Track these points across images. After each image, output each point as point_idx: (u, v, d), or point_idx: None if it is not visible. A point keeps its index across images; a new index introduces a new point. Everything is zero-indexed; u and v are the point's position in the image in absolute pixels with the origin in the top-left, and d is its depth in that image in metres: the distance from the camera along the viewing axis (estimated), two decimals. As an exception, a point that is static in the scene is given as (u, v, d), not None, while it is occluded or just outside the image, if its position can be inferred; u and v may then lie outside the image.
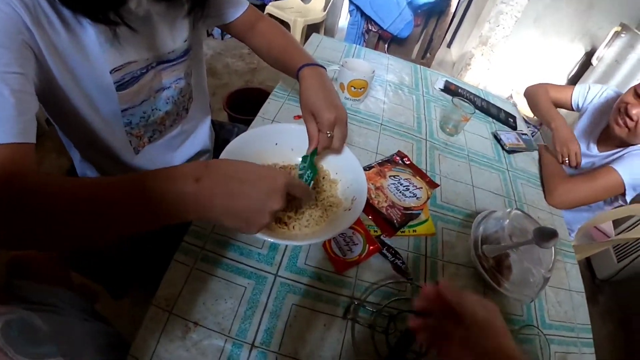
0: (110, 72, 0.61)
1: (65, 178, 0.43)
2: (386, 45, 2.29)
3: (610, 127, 1.13)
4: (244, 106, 1.78)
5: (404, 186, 0.85)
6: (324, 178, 0.72)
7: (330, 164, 0.74)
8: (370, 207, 0.78)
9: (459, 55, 3.38)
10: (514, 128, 1.30)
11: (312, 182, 0.66)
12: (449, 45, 3.75)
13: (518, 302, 0.74)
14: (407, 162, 0.92)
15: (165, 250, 0.66)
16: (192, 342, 0.54)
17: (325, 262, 0.67)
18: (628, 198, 1.07)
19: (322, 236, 0.59)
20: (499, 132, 1.20)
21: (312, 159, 0.67)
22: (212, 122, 1.03)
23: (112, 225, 0.42)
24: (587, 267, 2.10)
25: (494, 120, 1.30)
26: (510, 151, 1.16)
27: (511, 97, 2.97)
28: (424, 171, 0.93)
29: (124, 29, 0.58)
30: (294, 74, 0.78)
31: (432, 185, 0.88)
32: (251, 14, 0.87)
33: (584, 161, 1.21)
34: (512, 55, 2.96)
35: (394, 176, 0.87)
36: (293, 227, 0.63)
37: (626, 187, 1.02)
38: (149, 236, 0.88)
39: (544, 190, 1.06)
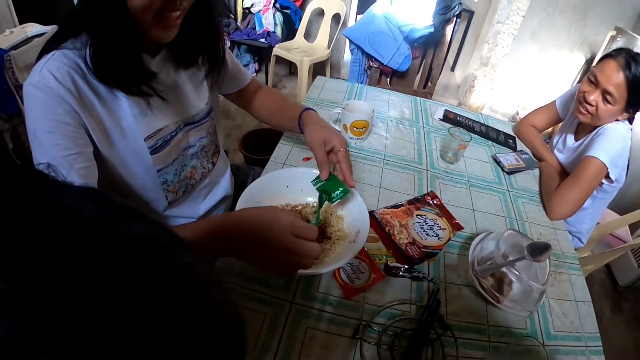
0: (145, 140, 0.71)
1: None
2: (388, 79, 2.41)
3: (577, 117, 1.23)
4: (258, 146, 1.91)
5: (428, 225, 0.90)
6: (331, 214, 0.82)
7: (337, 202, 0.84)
8: (391, 242, 0.84)
9: (462, 78, 3.46)
10: (514, 149, 1.35)
11: (342, 199, 0.77)
12: (452, 69, 3.84)
13: (518, 317, 0.79)
14: (437, 203, 0.98)
15: None
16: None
17: (335, 289, 0.75)
18: (613, 176, 1.13)
19: (331, 266, 0.68)
20: (498, 155, 1.26)
21: (336, 180, 0.77)
22: (230, 167, 1.16)
23: None
24: (608, 275, 2.07)
25: (494, 143, 1.35)
26: (510, 172, 1.21)
27: (517, 113, 3.01)
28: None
29: (156, 98, 0.69)
30: (294, 122, 0.89)
31: (457, 227, 0.93)
32: (255, 82, 1.01)
33: (564, 156, 1.31)
34: (514, 72, 3.02)
35: (421, 215, 0.92)
36: (305, 260, 0.73)
37: (608, 167, 1.08)
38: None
39: (544, 207, 1.10)
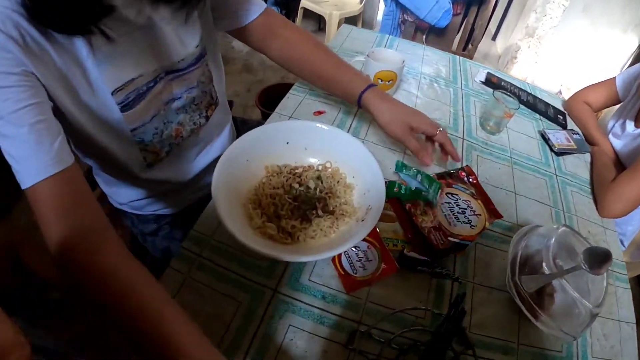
0: (112, 94, 0.56)
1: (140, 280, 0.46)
2: (424, 36, 2.15)
3: None
4: (278, 103, 1.73)
5: (460, 208, 0.72)
6: (338, 182, 0.64)
7: (346, 165, 0.66)
8: (410, 225, 0.67)
9: (504, 47, 3.15)
10: (564, 126, 1.14)
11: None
12: (493, 38, 3.50)
13: (557, 339, 0.62)
14: (473, 181, 0.79)
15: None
16: None
17: (332, 279, 0.59)
18: None
19: (330, 250, 0.52)
20: (547, 131, 1.06)
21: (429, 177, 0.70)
22: (235, 120, 0.98)
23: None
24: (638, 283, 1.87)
25: (541, 117, 1.15)
26: (560, 153, 1.01)
27: (560, 92, 2.73)
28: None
29: (124, 42, 0.53)
30: (349, 95, 0.77)
31: (495, 214, 0.74)
32: (270, 18, 0.77)
33: (621, 143, 1.11)
34: (561, 47, 2.71)
35: (452, 194, 0.74)
36: (298, 238, 0.56)
37: None
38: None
39: (594, 200, 0.92)
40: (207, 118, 0.76)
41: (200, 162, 0.81)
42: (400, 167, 0.75)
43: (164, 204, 0.82)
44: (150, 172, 0.72)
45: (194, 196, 0.84)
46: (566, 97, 1.29)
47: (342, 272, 0.58)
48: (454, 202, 0.72)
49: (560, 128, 1.13)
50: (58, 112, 0.53)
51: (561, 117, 1.17)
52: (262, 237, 0.55)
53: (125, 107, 0.58)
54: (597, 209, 0.90)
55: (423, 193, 0.69)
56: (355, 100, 0.76)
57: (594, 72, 2.70)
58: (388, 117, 0.73)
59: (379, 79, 0.90)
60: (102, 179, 0.81)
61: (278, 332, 0.53)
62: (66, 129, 0.56)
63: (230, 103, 0.94)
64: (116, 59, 0.54)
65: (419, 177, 0.72)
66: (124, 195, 0.80)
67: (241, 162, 0.62)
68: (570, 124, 1.16)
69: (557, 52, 2.79)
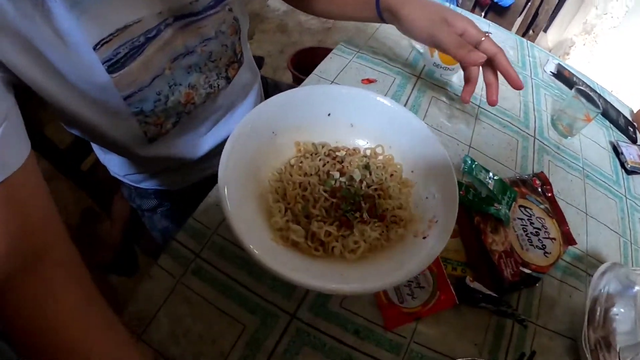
0: (95, 48, 0.38)
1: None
2: (482, 14, 1.93)
3: None
4: (313, 67, 1.57)
5: (534, 227, 0.56)
6: (391, 176, 0.48)
7: (403, 154, 0.50)
8: (477, 245, 0.51)
9: (556, 41, 2.93)
10: (634, 140, 0.98)
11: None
12: (545, 30, 3.26)
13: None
14: (548, 194, 0.63)
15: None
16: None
17: (370, 309, 0.44)
18: None
19: (375, 281, 0.36)
20: (620, 144, 0.89)
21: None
22: (265, 82, 0.80)
23: None
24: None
25: (611, 126, 0.98)
26: (631, 171, 0.86)
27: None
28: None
29: None
30: (367, 8, 0.62)
31: (569, 240, 0.59)
32: None
33: None
34: (618, 49, 2.50)
35: (525, 208, 0.58)
36: (332, 250, 0.40)
37: None
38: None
39: None
40: (229, 80, 0.58)
41: (218, 134, 0.64)
42: (469, 165, 0.59)
43: (167, 180, 0.67)
44: (152, 149, 0.55)
45: (205, 173, 0.68)
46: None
47: (385, 301, 0.44)
48: (527, 219, 0.56)
49: (631, 142, 0.96)
50: (19, 84, 0.37)
51: (632, 130, 1.00)
52: (284, 243, 0.40)
53: (113, 66, 0.41)
54: None
55: (495, 205, 0.53)
56: (374, 8, 0.61)
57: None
58: (418, 12, 0.57)
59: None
60: (94, 146, 0.66)
61: (291, 374, 0.39)
62: (50, 106, 0.41)
63: (260, 60, 0.77)
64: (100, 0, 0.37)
65: (491, 181, 0.56)
66: (119, 167, 0.65)
67: (264, 134, 0.45)
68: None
69: (613, 53, 2.58)
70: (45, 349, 0.32)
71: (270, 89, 0.83)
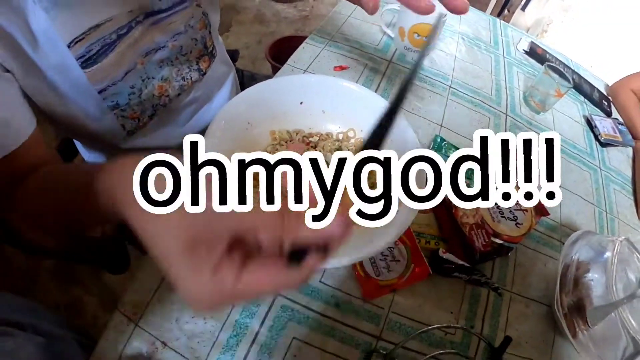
0: (69, 45, 0.41)
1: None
2: None
3: None
4: (290, 56, 1.57)
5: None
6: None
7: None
8: (448, 219, 0.54)
9: (534, 20, 2.94)
10: (609, 114, 1.01)
11: None
12: (523, 8, 3.28)
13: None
14: None
15: None
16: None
17: (348, 282, 0.47)
18: None
19: (352, 254, 0.39)
20: (593, 117, 0.92)
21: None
22: (241, 74, 0.82)
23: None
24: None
25: (586, 101, 1.00)
26: (605, 143, 0.88)
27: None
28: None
29: None
30: None
31: (542, 211, 0.60)
32: None
33: None
34: (596, 25, 2.51)
35: None
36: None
37: None
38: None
39: (635, 203, 0.80)
40: (203, 72, 0.61)
41: (196, 125, 0.66)
42: (439, 143, 0.62)
43: None
44: (133, 141, 0.58)
45: None
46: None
47: (362, 274, 0.46)
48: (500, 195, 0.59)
49: (605, 115, 0.99)
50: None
51: (606, 104, 1.03)
52: None
53: (86, 62, 0.43)
54: (637, 212, 0.78)
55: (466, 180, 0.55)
56: None
57: (635, 55, 2.50)
58: None
59: (415, 32, 0.74)
60: (79, 145, 0.67)
61: (279, 346, 0.42)
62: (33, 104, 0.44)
63: (235, 53, 0.78)
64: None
65: None
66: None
67: (239, 126, 0.48)
68: (615, 112, 1.02)
69: (591, 30, 2.59)
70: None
71: (246, 80, 0.84)
